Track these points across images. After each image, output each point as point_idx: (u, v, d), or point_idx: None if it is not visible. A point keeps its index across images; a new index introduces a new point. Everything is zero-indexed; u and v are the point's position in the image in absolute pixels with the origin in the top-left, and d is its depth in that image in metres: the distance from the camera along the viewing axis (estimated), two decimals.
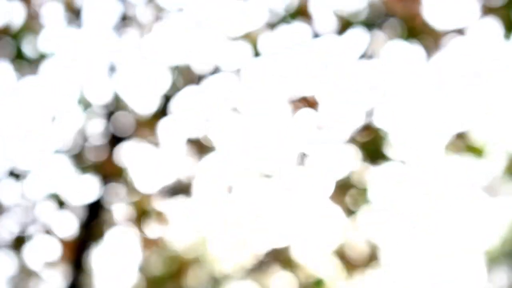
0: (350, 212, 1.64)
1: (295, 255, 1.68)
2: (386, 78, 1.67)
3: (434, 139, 1.66)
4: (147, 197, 1.52)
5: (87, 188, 2.21)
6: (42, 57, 1.76)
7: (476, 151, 1.65)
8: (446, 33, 1.58)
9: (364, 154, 1.63)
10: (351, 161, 1.68)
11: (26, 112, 2.08)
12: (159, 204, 1.62)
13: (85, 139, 1.78)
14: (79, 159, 1.99)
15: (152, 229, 1.60)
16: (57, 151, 1.78)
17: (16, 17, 1.81)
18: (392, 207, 2.58)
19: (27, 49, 1.75)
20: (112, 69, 1.58)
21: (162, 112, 1.70)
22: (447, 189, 2.82)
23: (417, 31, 1.56)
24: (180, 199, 1.86)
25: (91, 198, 1.60)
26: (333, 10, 1.61)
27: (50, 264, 1.47)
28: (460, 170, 2.73)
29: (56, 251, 1.57)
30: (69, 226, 1.85)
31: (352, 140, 1.67)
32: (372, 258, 1.75)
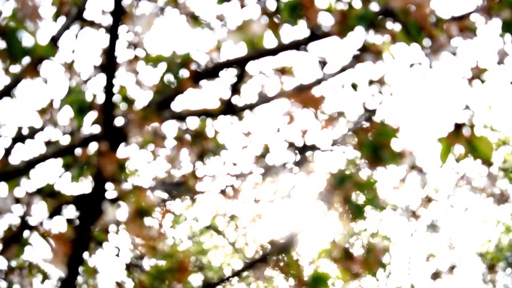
0: (350, 210, 1.62)
1: (295, 253, 1.66)
2: (388, 74, 1.66)
3: (434, 137, 1.64)
4: (145, 194, 1.49)
5: (84, 184, 2.18)
6: (38, 54, 1.74)
7: (477, 152, 1.63)
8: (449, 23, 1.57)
9: (364, 152, 1.61)
10: (351, 159, 1.67)
11: (24, 110, 2.06)
12: (158, 201, 1.59)
13: (83, 135, 1.77)
14: (77, 155, 1.97)
15: (151, 227, 1.57)
16: (55, 148, 1.76)
17: (11, 13, 1.79)
18: (393, 206, 2.56)
19: (23, 46, 1.72)
20: (110, 64, 1.56)
21: (162, 109, 1.68)
22: (446, 190, 2.80)
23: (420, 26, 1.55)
24: (179, 196, 1.85)
25: (89, 194, 1.58)
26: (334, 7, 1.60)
27: (47, 262, 1.44)
28: (460, 170, 2.72)
29: (54, 248, 1.54)
30: (66, 223, 1.83)
31: (353, 137, 1.66)
32: (371, 257, 1.73)
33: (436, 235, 2.97)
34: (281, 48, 1.65)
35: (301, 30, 1.65)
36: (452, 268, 3.08)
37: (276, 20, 1.73)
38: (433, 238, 3.04)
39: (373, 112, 1.73)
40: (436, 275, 3.08)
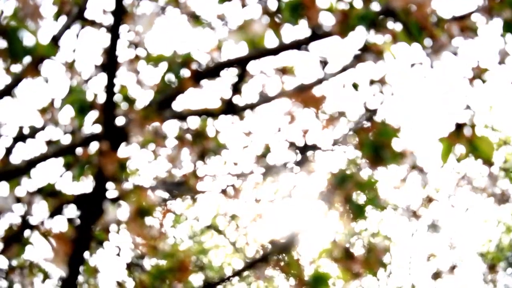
0: (351, 210, 1.62)
1: (295, 253, 1.66)
2: (389, 74, 1.66)
3: (434, 137, 1.64)
4: (146, 193, 1.49)
5: (85, 184, 2.18)
6: (39, 53, 1.74)
7: (478, 152, 1.62)
8: (450, 24, 1.57)
9: (365, 152, 1.61)
10: (352, 158, 1.67)
11: (24, 108, 2.06)
12: (159, 201, 1.59)
13: (83, 134, 1.77)
14: (78, 155, 1.97)
15: (152, 226, 1.57)
16: (56, 147, 1.76)
17: (12, 12, 1.79)
18: (393, 205, 2.56)
19: (24, 46, 1.72)
20: (111, 63, 1.56)
21: (162, 108, 1.68)
22: (447, 189, 2.81)
23: (420, 27, 1.55)
24: (180, 196, 1.85)
25: (90, 194, 1.58)
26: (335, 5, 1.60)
27: (48, 260, 1.44)
28: (460, 170, 2.72)
29: (54, 247, 1.54)
30: (67, 222, 1.83)
31: (354, 137, 1.66)
32: (372, 256, 1.73)
33: (437, 235, 2.98)
34: (282, 48, 1.65)
35: (302, 29, 1.65)
36: (452, 268, 3.08)
37: (277, 20, 1.73)
38: (434, 238, 3.04)
39: (374, 112, 1.73)
40: (437, 275, 3.09)
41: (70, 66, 2.28)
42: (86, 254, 1.73)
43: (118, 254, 2.27)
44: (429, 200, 2.78)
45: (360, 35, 1.62)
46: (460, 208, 2.97)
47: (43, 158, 1.71)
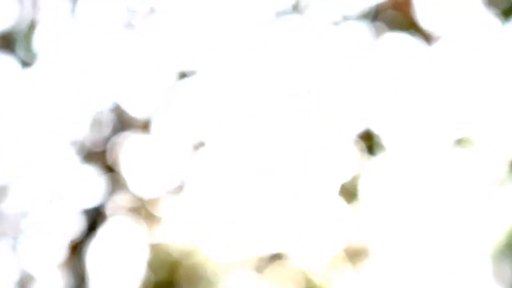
0: (348, 208, 1.64)
1: (295, 252, 1.68)
2: (385, 72, 1.67)
3: (432, 134, 1.66)
4: (147, 195, 1.52)
5: (87, 185, 2.20)
6: (42, 53, 1.77)
7: (475, 146, 1.64)
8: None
9: (363, 150, 1.63)
10: (350, 156, 1.68)
11: (27, 108, 2.08)
12: (159, 202, 1.62)
13: (85, 136, 1.79)
14: (79, 156, 1.99)
15: (152, 228, 1.59)
16: (57, 148, 1.79)
17: (16, 13, 1.82)
18: (391, 202, 2.57)
19: (28, 45, 1.75)
20: (113, 65, 1.59)
21: (161, 109, 1.70)
22: (448, 183, 2.82)
23: (415, 25, 1.56)
24: (179, 197, 1.86)
25: (92, 196, 1.60)
26: (331, 4, 1.61)
27: (50, 262, 1.48)
28: (461, 164, 2.73)
29: (55, 248, 1.57)
30: (69, 223, 1.86)
31: (351, 136, 1.67)
32: (371, 253, 1.75)
33: (435, 228, 2.98)
34: None
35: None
36: (455, 258, 3.09)
37: None
38: (433, 231, 3.04)
39: (369, 110, 1.73)
40: (438, 268, 3.09)
41: (73, 65, 2.30)
42: (88, 254, 1.75)
43: (120, 253, 2.28)
44: (428, 194, 2.79)
45: (357, 31, 1.63)
46: (461, 201, 2.97)
47: (46, 157, 1.73)
